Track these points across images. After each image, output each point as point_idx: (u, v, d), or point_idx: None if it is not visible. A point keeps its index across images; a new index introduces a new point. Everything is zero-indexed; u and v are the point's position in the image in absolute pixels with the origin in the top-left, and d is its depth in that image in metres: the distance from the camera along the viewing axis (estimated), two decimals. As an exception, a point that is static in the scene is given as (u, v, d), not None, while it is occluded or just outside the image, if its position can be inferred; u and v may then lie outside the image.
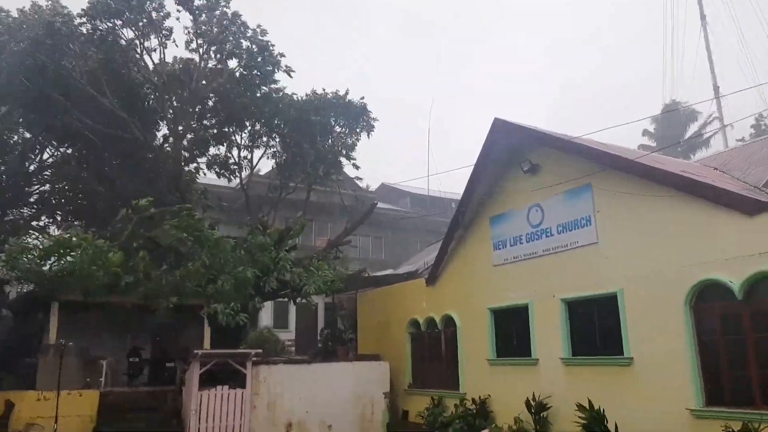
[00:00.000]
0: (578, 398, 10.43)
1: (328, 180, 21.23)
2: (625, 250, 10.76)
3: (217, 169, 20.80)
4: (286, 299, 17.71)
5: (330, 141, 20.61)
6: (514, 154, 13.45)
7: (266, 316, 20.90)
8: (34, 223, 20.19)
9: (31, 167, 19.30)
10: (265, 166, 25.74)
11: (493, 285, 13.67)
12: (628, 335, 10.42)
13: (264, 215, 19.16)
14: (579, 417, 10.14)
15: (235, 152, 20.84)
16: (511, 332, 13.15)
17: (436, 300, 15.43)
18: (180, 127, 18.53)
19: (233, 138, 20.67)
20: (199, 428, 13.19)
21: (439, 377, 14.88)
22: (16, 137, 18.30)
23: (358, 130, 20.31)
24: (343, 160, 20.87)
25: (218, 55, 18.94)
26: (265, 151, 21.10)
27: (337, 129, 20.36)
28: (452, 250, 15.12)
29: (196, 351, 13.89)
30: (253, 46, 18.91)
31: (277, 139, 20.48)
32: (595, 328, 11.33)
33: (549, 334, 11.97)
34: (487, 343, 13.49)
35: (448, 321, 14.93)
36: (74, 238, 12.92)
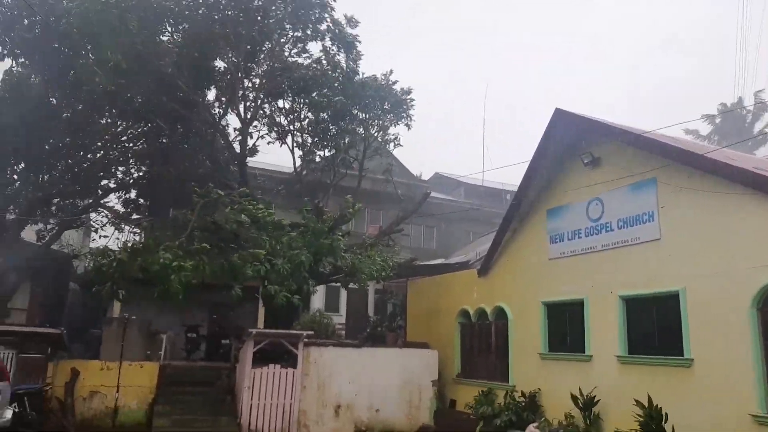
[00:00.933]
0: (633, 397, 10.19)
1: (378, 168, 21.31)
2: (689, 248, 10.39)
3: (273, 134, 20.93)
4: (338, 284, 17.98)
5: (374, 128, 20.68)
6: (574, 147, 13.15)
7: (318, 299, 21.25)
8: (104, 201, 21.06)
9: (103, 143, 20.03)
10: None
11: (547, 279, 13.46)
12: (689, 335, 10.08)
13: (319, 200, 19.45)
14: (636, 415, 9.90)
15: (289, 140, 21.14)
16: (565, 327, 12.95)
17: (487, 291, 15.33)
18: (248, 114, 18.85)
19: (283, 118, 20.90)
20: (251, 405, 13.62)
21: (488, 368, 14.81)
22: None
23: (399, 122, 20.29)
24: (387, 145, 20.92)
25: (301, 44, 19.15)
26: (314, 138, 21.34)
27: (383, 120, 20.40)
28: (506, 242, 14.97)
29: (250, 330, 14.32)
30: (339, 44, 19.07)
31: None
32: (654, 326, 11.02)
33: (604, 330, 11.72)
34: (539, 336, 13.33)
35: (500, 313, 14.82)
36: (160, 251, 13.26)
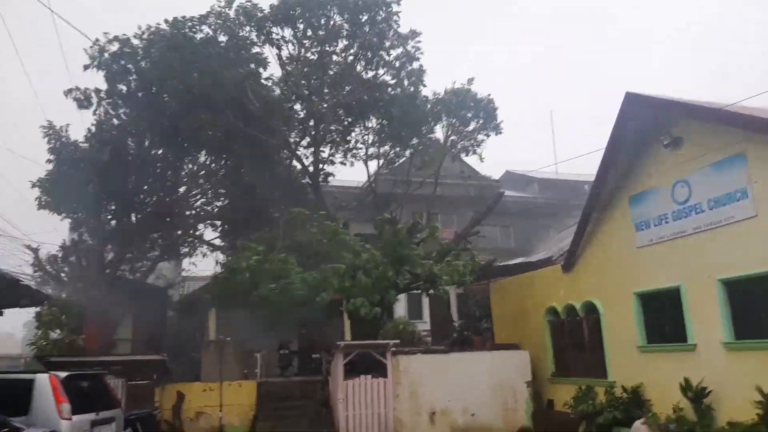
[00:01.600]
0: (745, 385, 9.55)
1: (451, 173, 21.36)
2: (793, 222, 9.65)
3: (343, 158, 21.46)
4: (419, 291, 18.01)
5: (454, 137, 20.85)
6: (651, 129, 12.58)
7: (401, 307, 21.37)
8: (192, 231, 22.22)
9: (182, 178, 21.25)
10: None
11: (637, 268, 12.89)
12: (803, 315, 9.35)
13: (392, 211, 19.63)
14: (756, 402, 9.24)
15: (361, 149, 21.57)
16: (662, 317, 12.33)
17: (574, 286, 14.86)
18: (319, 131, 19.44)
19: (357, 133, 21.41)
20: (347, 416, 13.83)
21: (584, 365, 14.32)
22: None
23: (487, 128, 20.35)
24: (465, 153, 20.96)
25: (371, 64, 19.74)
26: (388, 152, 21.68)
27: (467, 128, 20.55)
28: (588, 234, 14.47)
29: (338, 343, 14.58)
30: (404, 59, 19.52)
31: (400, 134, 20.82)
32: (763, 308, 10.28)
33: (706, 317, 11.06)
34: (635, 329, 12.76)
35: (590, 307, 14.31)
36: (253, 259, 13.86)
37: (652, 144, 12.58)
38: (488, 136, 20.66)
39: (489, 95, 20.30)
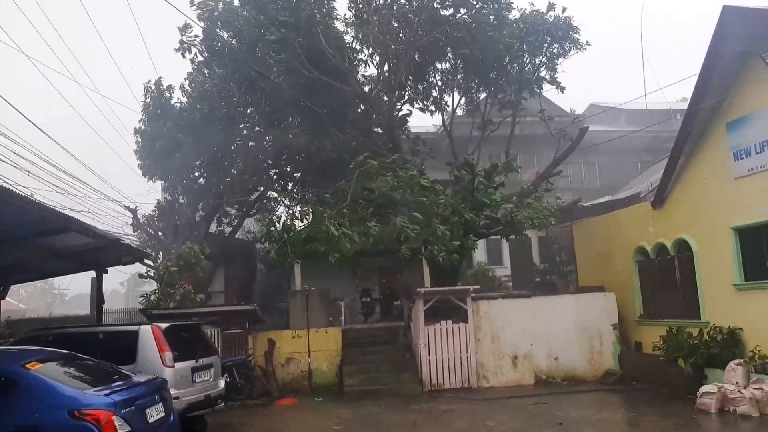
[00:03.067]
0: None
1: (529, 109, 20.32)
2: None
3: (420, 104, 20.97)
4: (499, 236, 17.69)
5: (529, 66, 19.60)
6: (751, 47, 11.34)
7: (480, 253, 21.14)
8: (271, 191, 22.86)
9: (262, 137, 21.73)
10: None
11: (735, 201, 11.92)
12: None
13: (469, 155, 19.16)
14: None
15: (434, 92, 20.97)
16: (762, 252, 11.42)
17: (665, 224, 14.03)
18: (393, 77, 19.01)
19: (432, 76, 20.72)
20: (429, 360, 14.08)
21: (675, 306, 13.65)
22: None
23: (566, 48, 18.84)
24: (544, 83, 19.77)
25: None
26: (463, 91, 20.88)
27: (540, 53, 19.19)
28: (681, 167, 13.49)
29: (419, 289, 14.72)
30: None
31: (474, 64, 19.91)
32: None
33: (815, 251, 10.13)
34: (733, 266, 11.92)
35: (682, 245, 13.50)
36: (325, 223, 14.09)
37: (754, 63, 11.39)
38: (567, 53, 18.98)
39: (564, 10, 18.56)
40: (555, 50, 18.97)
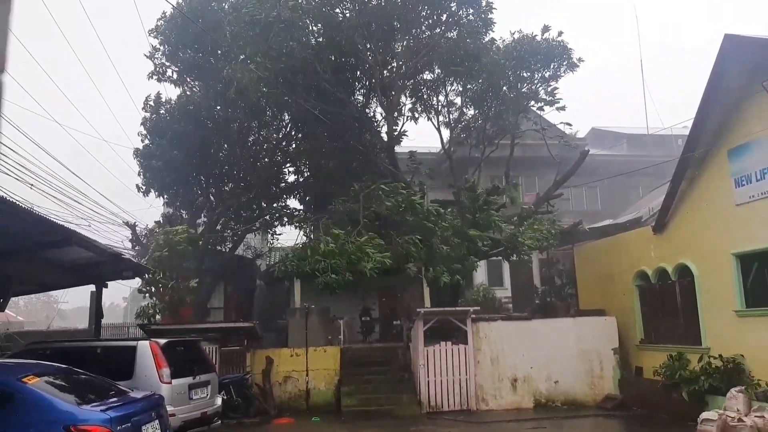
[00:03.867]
0: None
1: (529, 130, 20.45)
2: None
3: (418, 112, 21.03)
4: (499, 257, 17.67)
5: (526, 88, 19.75)
6: (752, 75, 11.45)
7: (481, 274, 21.10)
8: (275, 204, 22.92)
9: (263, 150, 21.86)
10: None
11: (736, 227, 11.93)
12: None
13: (469, 176, 19.24)
14: None
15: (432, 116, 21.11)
16: (763, 279, 11.39)
17: (666, 248, 14.02)
18: (391, 99, 19.12)
19: (430, 97, 20.86)
20: (428, 381, 13.98)
21: (676, 332, 13.58)
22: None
23: (561, 70, 19.02)
24: (543, 105, 19.92)
25: (433, 19, 18.85)
26: (460, 113, 21.03)
27: (537, 76, 19.33)
28: (682, 193, 13.53)
29: (419, 309, 14.67)
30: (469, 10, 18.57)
31: (469, 92, 20.06)
32: None
33: (816, 279, 10.10)
34: (734, 292, 11.89)
35: (683, 270, 13.48)
36: (330, 246, 14.17)
37: (754, 90, 11.46)
38: (562, 75, 19.18)
39: (560, 34, 18.74)
40: (549, 73, 19.16)
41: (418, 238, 14.41)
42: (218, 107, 19.51)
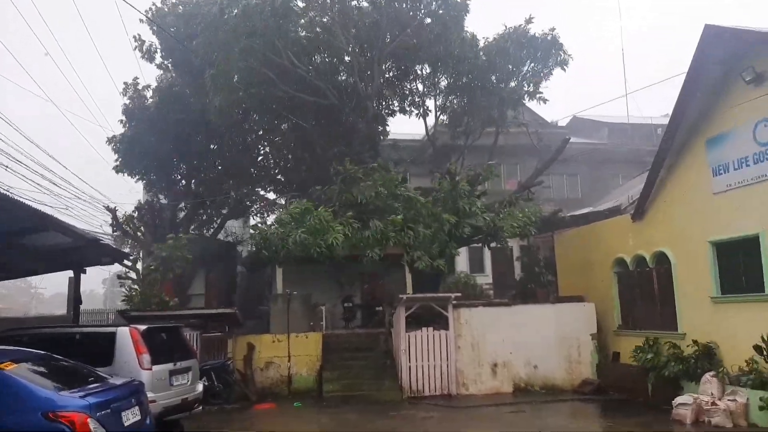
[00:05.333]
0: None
1: (512, 121, 20.62)
2: None
3: (399, 105, 21.09)
4: (480, 244, 17.80)
5: (514, 82, 19.86)
6: (731, 65, 11.60)
7: (462, 261, 21.26)
8: (257, 190, 22.84)
9: (249, 139, 21.70)
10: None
11: (713, 215, 12.14)
12: None
13: (452, 163, 19.29)
14: None
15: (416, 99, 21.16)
16: (738, 266, 11.63)
17: (644, 236, 14.23)
18: (369, 86, 19.13)
19: (413, 85, 20.91)
20: (409, 367, 14.09)
21: (653, 318, 13.83)
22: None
23: (549, 65, 19.20)
24: (527, 98, 20.04)
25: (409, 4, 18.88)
26: (444, 100, 21.08)
27: (524, 69, 19.49)
28: (661, 181, 13.71)
29: (401, 296, 14.72)
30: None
31: (457, 83, 20.17)
32: None
33: (788, 266, 10.34)
34: (709, 279, 12.13)
35: (660, 258, 13.71)
36: (308, 214, 14.24)
37: (733, 81, 11.63)
38: (552, 72, 19.47)
39: (552, 30, 18.96)
40: (538, 68, 19.31)
41: (398, 220, 14.47)
42: (198, 97, 19.27)
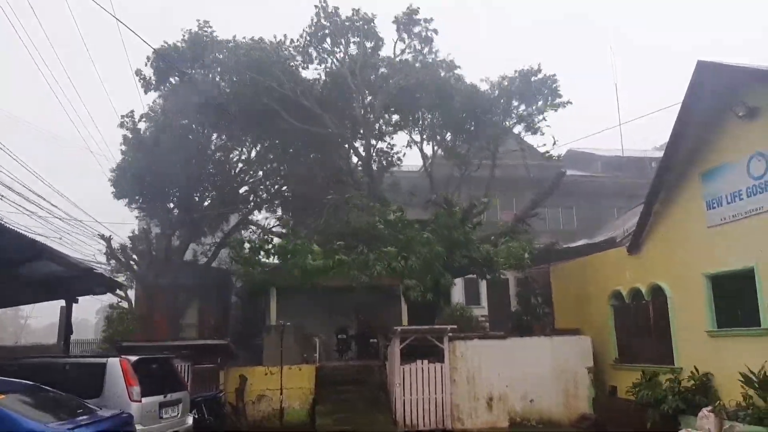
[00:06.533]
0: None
1: (509, 153, 20.97)
2: None
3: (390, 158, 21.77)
4: (476, 276, 17.75)
5: (510, 121, 20.63)
6: (724, 99, 11.78)
7: (458, 293, 21.14)
8: (250, 217, 22.86)
9: (239, 165, 21.84)
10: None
11: (708, 249, 12.18)
12: None
13: (448, 194, 19.37)
14: None
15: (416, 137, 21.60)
16: (734, 300, 11.62)
17: (640, 269, 14.23)
18: (368, 121, 19.64)
19: (410, 130, 21.60)
20: (404, 400, 13.87)
21: (650, 351, 13.73)
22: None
23: (546, 106, 20.02)
24: (524, 131, 20.58)
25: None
26: (439, 140, 21.68)
27: (522, 108, 20.30)
28: (656, 214, 13.78)
29: (396, 327, 14.59)
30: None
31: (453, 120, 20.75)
32: None
33: (783, 300, 10.33)
34: (705, 313, 12.10)
35: (657, 291, 13.68)
36: (297, 245, 14.31)
37: (726, 116, 11.81)
38: (555, 110, 20.37)
39: (553, 75, 20.03)
40: (535, 107, 20.11)
41: (391, 251, 14.44)
42: (195, 125, 19.56)
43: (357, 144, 20.68)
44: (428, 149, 21.76)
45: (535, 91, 19.93)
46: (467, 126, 20.54)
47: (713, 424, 10.68)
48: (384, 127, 21.07)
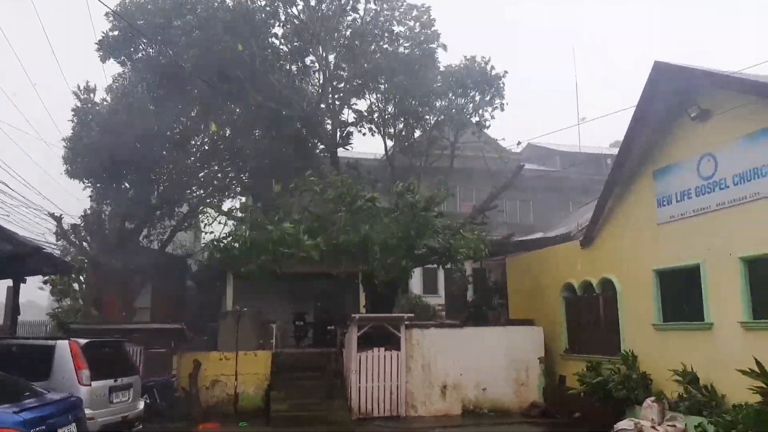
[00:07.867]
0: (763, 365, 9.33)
1: (466, 144, 21.26)
2: (822, 200, 9.31)
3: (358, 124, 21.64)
4: (435, 265, 17.93)
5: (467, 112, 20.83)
6: (679, 101, 12.16)
7: (416, 283, 21.32)
8: (209, 200, 22.38)
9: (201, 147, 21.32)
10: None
11: (657, 245, 12.63)
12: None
13: (409, 183, 19.45)
14: (755, 387, 9.05)
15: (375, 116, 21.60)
16: (680, 295, 12.11)
17: (592, 263, 14.65)
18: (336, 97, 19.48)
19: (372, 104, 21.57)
20: (359, 387, 13.97)
21: (598, 343, 14.19)
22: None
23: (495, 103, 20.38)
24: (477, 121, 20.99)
25: (387, 33, 19.83)
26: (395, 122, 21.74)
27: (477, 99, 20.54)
28: (609, 210, 14.20)
29: (353, 315, 14.65)
30: (417, 25, 19.87)
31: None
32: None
33: (725, 295, 10.83)
34: (652, 307, 12.57)
35: (607, 284, 14.13)
36: (270, 227, 14.12)
37: (680, 116, 12.20)
38: (495, 108, 20.72)
39: (504, 72, 20.36)
40: (483, 98, 20.43)
41: (356, 240, 14.43)
42: (155, 94, 18.92)
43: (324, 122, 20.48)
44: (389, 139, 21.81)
45: (489, 85, 20.31)
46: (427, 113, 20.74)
47: (656, 414, 11.14)
48: (347, 108, 20.94)
